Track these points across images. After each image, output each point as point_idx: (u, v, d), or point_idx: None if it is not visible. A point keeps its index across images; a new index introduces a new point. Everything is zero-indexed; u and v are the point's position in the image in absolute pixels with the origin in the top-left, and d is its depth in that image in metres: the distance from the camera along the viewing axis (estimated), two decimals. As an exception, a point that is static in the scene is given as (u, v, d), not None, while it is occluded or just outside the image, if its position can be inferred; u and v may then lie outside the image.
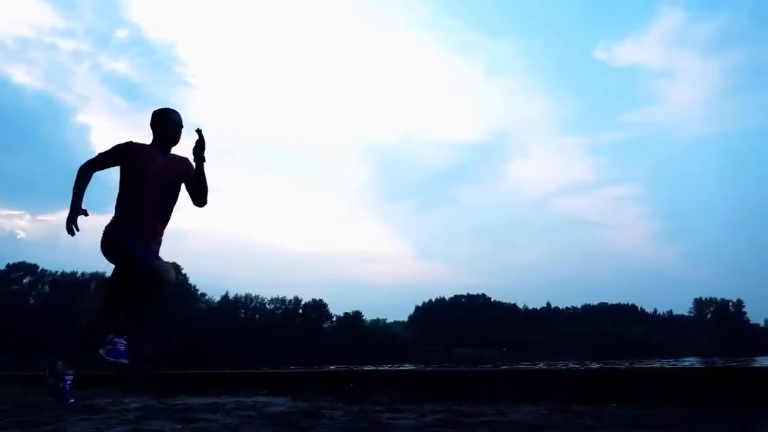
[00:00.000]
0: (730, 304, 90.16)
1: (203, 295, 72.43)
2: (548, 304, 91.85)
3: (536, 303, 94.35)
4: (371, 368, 6.24)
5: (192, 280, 70.02)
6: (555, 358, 52.00)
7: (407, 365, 28.65)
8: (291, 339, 70.01)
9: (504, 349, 72.98)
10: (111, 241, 2.98)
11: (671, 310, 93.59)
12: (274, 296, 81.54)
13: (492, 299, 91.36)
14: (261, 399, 3.13)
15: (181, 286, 64.54)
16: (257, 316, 77.93)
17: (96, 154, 3.06)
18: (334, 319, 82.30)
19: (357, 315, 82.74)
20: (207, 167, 3.11)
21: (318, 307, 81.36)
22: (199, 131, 3.09)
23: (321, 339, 73.23)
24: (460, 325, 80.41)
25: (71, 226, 2.92)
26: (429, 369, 3.53)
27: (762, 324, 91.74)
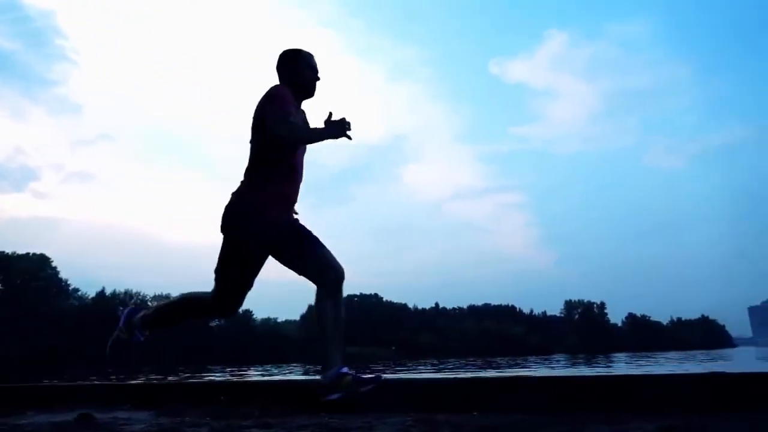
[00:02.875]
0: (595, 306, 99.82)
1: (76, 290, 66.16)
2: (437, 304, 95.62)
3: (426, 303, 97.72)
4: (247, 378, 6.03)
5: (63, 274, 63.75)
6: (442, 357, 54.25)
7: (295, 365, 28.46)
8: (175, 339, 66.37)
9: (393, 348, 74.76)
10: (261, 217, 2.19)
11: (545, 311, 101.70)
12: (158, 293, 76.92)
13: (384, 299, 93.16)
14: (122, 415, 2.91)
15: (49, 280, 58.73)
16: (137, 314, 72.85)
17: (279, 105, 2.18)
18: (223, 317, 79.37)
19: (246, 313, 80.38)
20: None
21: (206, 305, 77.93)
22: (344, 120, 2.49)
23: (207, 339, 70.19)
24: (352, 325, 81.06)
25: (343, 126, 2.08)
26: (304, 379, 3.49)
27: (620, 324, 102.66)
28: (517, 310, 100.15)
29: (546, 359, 32.08)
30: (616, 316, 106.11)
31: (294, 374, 16.04)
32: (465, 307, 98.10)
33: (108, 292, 71.60)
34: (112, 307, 70.85)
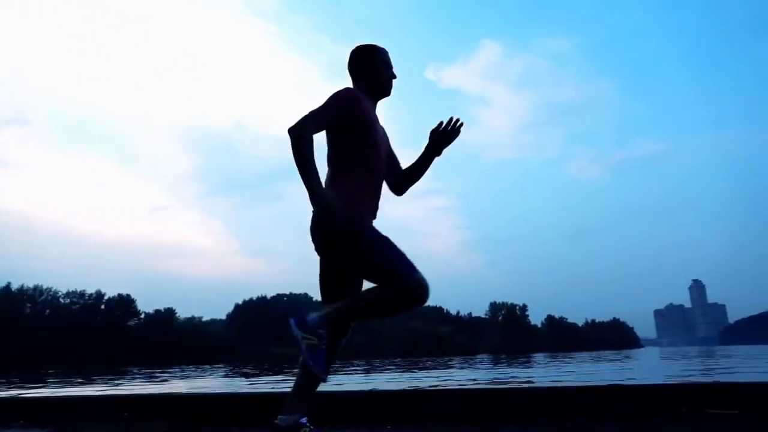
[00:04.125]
0: (517, 308, 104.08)
1: (-24, 285, 60.98)
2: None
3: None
4: (156, 389, 5.75)
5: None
6: (371, 358, 54.44)
7: (220, 367, 27.63)
8: (90, 338, 62.52)
9: (322, 348, 74.15)
10: (352, 225, 2.00)
11: (471, 312, 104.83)
12: (71, 289, 72.30)
13: (314, 298, 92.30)
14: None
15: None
16: (47, 311, 68.01)
17: (318, 112, 2.03)
18: (143, 316, 75.70)
19: (169, 312, 77.17)
20: None
21: (124, 302, 74.03)
22: (457, 122, 2.30)
23: (125, 338, 66.70)
24: (280, 324, 79.68)
25: (333, 212, 1.95)
26: (213, 393, 3.30)
27: (539, 325, 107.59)
28: (445, 311, 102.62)
29: (470, 359, 33.07)
30: (536, 317, 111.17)
31: (215, 377, 15.65)
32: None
33: (14, 287, 66.48)
34: (20, 301, 65.72)
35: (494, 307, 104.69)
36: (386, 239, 2.05)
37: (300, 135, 1.95)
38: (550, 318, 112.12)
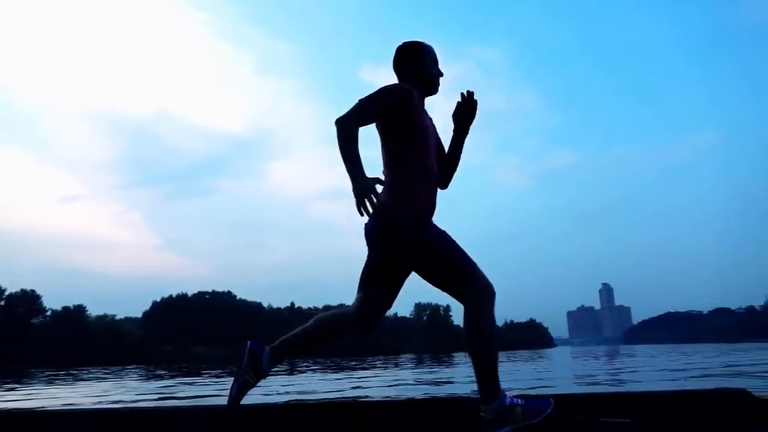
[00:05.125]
0: (441, 308, 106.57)
1: None
2: (292, 304, 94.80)
3: (281, 302, 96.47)
4: (50, 405, 5.34)
5: None
6: (295, 357, 53.55)
7: (134, 368, 26.25)
8: (-15, 337, 57.31)
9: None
10: (415, 226, 1.94)
11: (396, 312, 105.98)
12: (-32, 286, 65.99)
13: (238, 297, 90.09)
14: None
15: None
16: (-64, 308, 61.76)
17: (365, 101, 1.96)
18: (49, 313, 70.46)
19: (79, 309, 72.34)
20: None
21: (27, 299, 68.59)
22: (470, 93, 2.20)
23: (29, 338, 61.80)
24: (201, 323, 77.01)
25: (365, 201, 1.83)
26: (121, 407, 3.03)
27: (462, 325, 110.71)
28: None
29: (394, 359, 33.47)
30: (459, 318, 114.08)
31: (128, 378, 14.89)
32: (321, 306, 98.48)
33: None
34: None
35: (419, 307, 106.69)
36: (450, 238, 2.01)
37: (345, 125, 1.90)
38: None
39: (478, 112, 2.25)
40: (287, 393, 6.83)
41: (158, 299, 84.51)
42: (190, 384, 10.14)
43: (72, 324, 68.18)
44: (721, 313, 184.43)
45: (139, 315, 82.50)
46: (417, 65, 2.16)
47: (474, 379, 1.94)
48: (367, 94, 1.99)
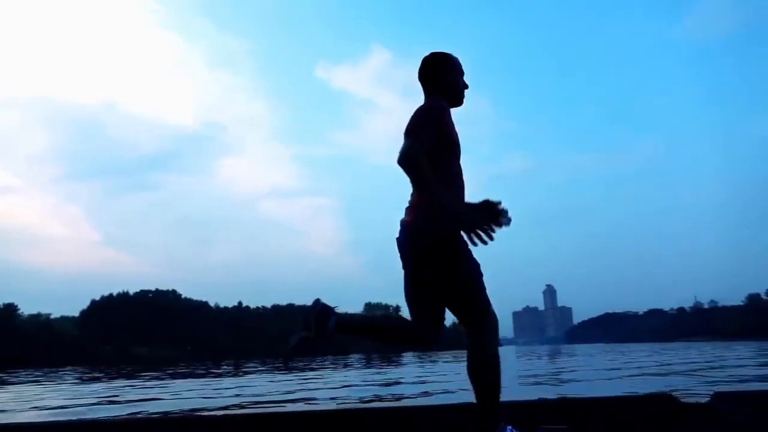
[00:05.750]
0: (391, 309, 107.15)
1: None
2: (240, 303, 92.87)
3: (229, 301, 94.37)
4: None
5: None
6: (242, 357, 52.74)
7: (69, 369, 25.04)
8: None
9: (189, 348, 70.48)
10: (449, 239, 1.89)
11: (347, 312, 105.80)
12: None
13: (183, 296, 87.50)
14: None
15: None
16: None
17: (418, 129, 1.88)
18: (-25, 312, 66.15)
19: (10, 308, 68.32)
20: None
21: (-48, 296, 64.12)
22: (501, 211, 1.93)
23: (-49, 337, 57.77)
24: (143, 323, 74.31)
25: (478, 232, 1.77)
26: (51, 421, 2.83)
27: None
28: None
29: (343, 359, 33.37)
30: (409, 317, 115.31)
31: (62, 381, 14.23)
32: (269, 306, 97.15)
33: None
34: None
35: (370, 307, 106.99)
36: (477, 262, 1.98)
37: (415, 161, 1.83)
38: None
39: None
40: (238, 396, 6.72)
41: (97, 298, 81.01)
42: (132, 387, 9.79)
43: (1, 323, 64.30)
44: (654, 314, 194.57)
45: (76, 314, 78.78)
46: (446, 77, 2.11)
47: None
48: (410, 122, 1.94)
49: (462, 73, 2.15)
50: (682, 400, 2.24)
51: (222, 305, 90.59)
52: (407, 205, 2.02)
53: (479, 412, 1.91)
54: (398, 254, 2.04)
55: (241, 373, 14.59)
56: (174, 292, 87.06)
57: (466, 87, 2.15)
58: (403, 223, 2.00)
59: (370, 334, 2.17)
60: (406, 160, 1.83)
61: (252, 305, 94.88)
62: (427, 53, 2.17)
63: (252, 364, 24.72)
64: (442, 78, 2.10)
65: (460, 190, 2.01)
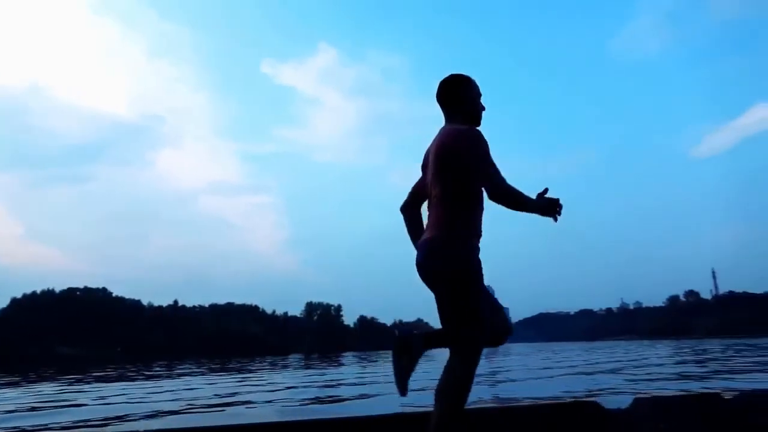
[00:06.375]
0: (332, 308, 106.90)
1: None
2: (176, 301, 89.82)
3: (163, 300, 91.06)
4: None
5: None
6: (176, 358, 50.93)
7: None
8: None
9: (118, 349, 67.39)
10: (474, 262, 2.00)
11: (287, 312, 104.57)
12: None
13: (114, 294, 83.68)
14: None
15: None
16: None
17: (491, 162, 2.02)
18: None
19: None
20: None
21: None
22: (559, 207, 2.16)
23: None
24: (70, 322, 70.38)
25: (556, 208, 2.05)
26: None
27: (352, 325, 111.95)
28: (260, 309, 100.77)
29: (282, 359, 32.95)
30: (351, 317, 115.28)
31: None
32: (207, 305, 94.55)
33: None
34: None
35: (310, 306, 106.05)
36: (486, 292, 2.06)
37: (504, 190, 2.00)
38: (362, 318, 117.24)
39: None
40: (178, 400, 6.48)
41: (19, 295, 76.07)
42: (55, 392, 9.25)
43: None
44: (585, 314, 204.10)
45: (-6, 313, 73.56)
46: (469, 100, 2.19)
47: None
48: (477, 157, 2.02)
49: (480, 95, 2.23)
50: (605, 406, 2.36)
51: (156, 304, 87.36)
52: (427, 225, 2.10)
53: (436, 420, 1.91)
54: (420, 276, 2.08)
55: (175, 375, 14.11)
56: (104, 290, 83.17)
57: (484, 109, 2.22)
58: (425, 242, 2.05)
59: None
60: (502, 195, 2.01)
61: (188, 304, 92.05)
62: (446, 75, 2.22)
63: (187, 366, 23.95)
64: (463, 100, 2.17)
65: (480, 222, 2.10)
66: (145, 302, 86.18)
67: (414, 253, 2.11)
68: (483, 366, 12.97)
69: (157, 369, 20.98)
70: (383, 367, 14.34)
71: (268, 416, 4.54)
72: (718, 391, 2.54)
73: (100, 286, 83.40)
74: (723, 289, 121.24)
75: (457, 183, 2.04)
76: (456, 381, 1.93)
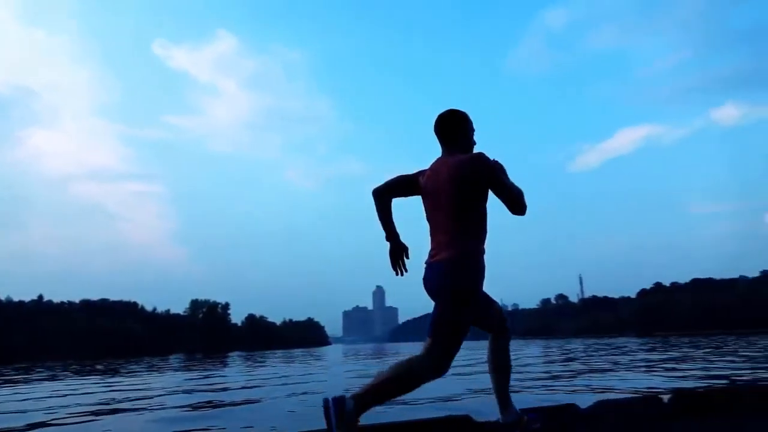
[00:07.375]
0: (219, 306, 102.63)
1: None
2: (40, 297, 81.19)
3: (26, 295, 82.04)
4: None
5: None
6: (39, 360, 46.01)
7: None
8: None
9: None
10: (481, 282, 2.22)
11: (170, 309, 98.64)
12: None
13: (5, 299, 73.67)
14: None
15: None
16: None
17: (507, 181, 2.21)
18: None
19: None
20: None
21: None
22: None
23: None
24: None
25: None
26: None
27: (240, 324, 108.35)
28: (140, 306, 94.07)
29: (162, 360, 31.18)
30: (239, 316, 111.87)
31: None
32: (77, 301, 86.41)
33: None
34: None
35: (195, 304, 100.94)
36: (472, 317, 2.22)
37: (524, 204, 2.25)
38: (250, 317, 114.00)
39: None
40: (49, 408, 5.83)
41: None
42: None
43: None
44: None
45: None
46: (466, 135, 2.36)
47: None
48: (497, 178, 2.19)
49: (474, 131, 2.42)
50: (477, 419, 2.48)
51: (17, 299, 78.26)
52: (439, 245, 2.21)
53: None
54: (428, 294, 2.24)
55: (33, 381, 12.75)
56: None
57: (475, 143, 2.40)
58: (442, 262, 2.16)
59: (392, 391, 2.14)
60: (523, 210, 2.26)
61: (55, 299, 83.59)
62: (443, 110, 2.38)
63: (50, 369, 21.76)
64: (462, 136, 2.35)
65: (485, 232, 2.27)
66: (2, 297, 76.92)
67: (381, 234, 2.34)
68: (367, 368, 13.14)
69: (12, 373, 18.86)
70: (273, 369, 14.05)
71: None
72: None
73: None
74: (588, 293, 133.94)
75: (473, 204, 2.20)
76: (410, 369, 2.11)
